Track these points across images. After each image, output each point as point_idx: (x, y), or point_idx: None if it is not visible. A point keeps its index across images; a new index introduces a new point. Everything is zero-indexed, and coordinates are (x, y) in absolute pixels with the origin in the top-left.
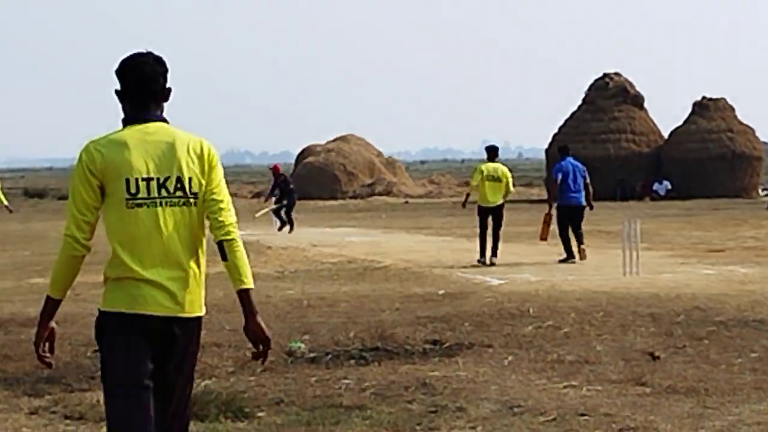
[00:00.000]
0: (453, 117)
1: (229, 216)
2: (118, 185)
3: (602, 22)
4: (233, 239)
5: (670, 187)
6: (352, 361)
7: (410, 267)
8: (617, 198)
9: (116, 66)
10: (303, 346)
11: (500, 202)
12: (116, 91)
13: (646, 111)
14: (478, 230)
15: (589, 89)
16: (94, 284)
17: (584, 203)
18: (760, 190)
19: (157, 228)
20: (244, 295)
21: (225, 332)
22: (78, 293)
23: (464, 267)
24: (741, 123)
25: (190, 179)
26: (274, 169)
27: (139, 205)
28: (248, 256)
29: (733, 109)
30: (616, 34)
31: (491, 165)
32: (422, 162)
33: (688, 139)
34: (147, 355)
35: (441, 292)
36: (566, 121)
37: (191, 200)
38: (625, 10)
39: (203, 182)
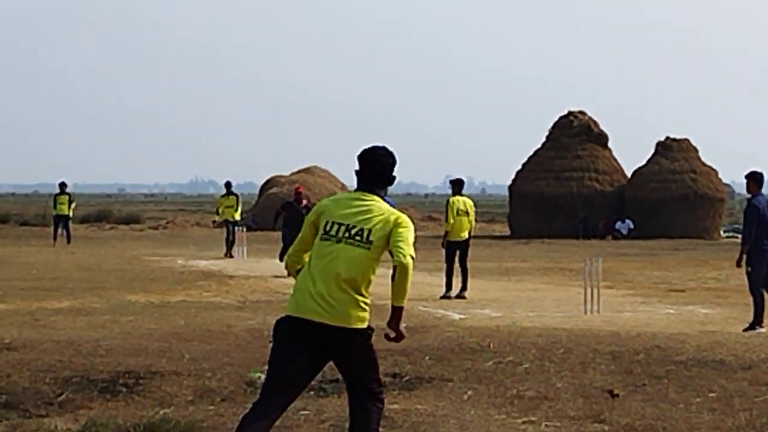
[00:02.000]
0: (417, 151)
1: (406, 252)
2: (321, 225)
3: (567, 60)
4: (403, 265)
5: (632, 226)
6: (312, 393)
7: (372, 300)
8: (579, 236)
9: (360, 152)
10: (263, 376)
11: (467, 236)
12: (356, 171)
13: (609, 150)
14: (445, 265)
15: (553, 127)
16: (54, 310)
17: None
18: (721, 232)
19: (334, 257)
20: (396, 309)
21: (185, 361)
22: (37, 319)
23: (425, 301)
24: (704, 164)
25: (370, 231)
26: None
27: (328, 239)
28: (210, 286)
29: (696, 150)
30: (581, 73)
31: (459, 199)
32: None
33: (651, 179)
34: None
35: (402, 325)
36: (530, 158)
37: (367, 246)
38: (590, 48)
39: (386, 237)
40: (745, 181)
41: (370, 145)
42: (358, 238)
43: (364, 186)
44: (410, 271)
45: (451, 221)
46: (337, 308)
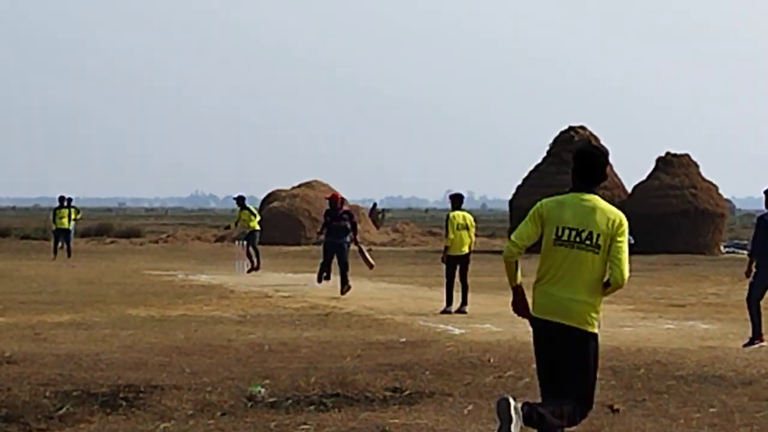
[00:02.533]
0: (417, 166)
1: (624, 273)
2: (550, 229)
3: (568, 74)
4: (610, 285)
5: (632, 241)
6: (312, 407)
7: (372, 314)
8: None
9: (576, 151)
10: (263, 390)
11: (467, 251)
12: (573, 169)
13: (610, 165)
14: (445, 279)
15: (554, 142)
16: (55, 323)
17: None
18: (722, 247)
19: (568, 263)
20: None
21: (185, 375)
22: (38, 332)
23: (426, 315)
24: (704, 179)
25: (598, 235)
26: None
27: (561, 245)
28: (210, 300)
29: (697, 166)
30: (583, 88)
31: (459, 213)
32: (386, 210)
33: (651, 194)
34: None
35: (402, 339)
36: (530, 173)
37: (596, 250)
38: (591, 64)
39: (609, 240)
40: (764, 196)
41: (584, 144)
42: (588, 242)
43: (582, 185)
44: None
45: (451, 236)
46: (575, 311)
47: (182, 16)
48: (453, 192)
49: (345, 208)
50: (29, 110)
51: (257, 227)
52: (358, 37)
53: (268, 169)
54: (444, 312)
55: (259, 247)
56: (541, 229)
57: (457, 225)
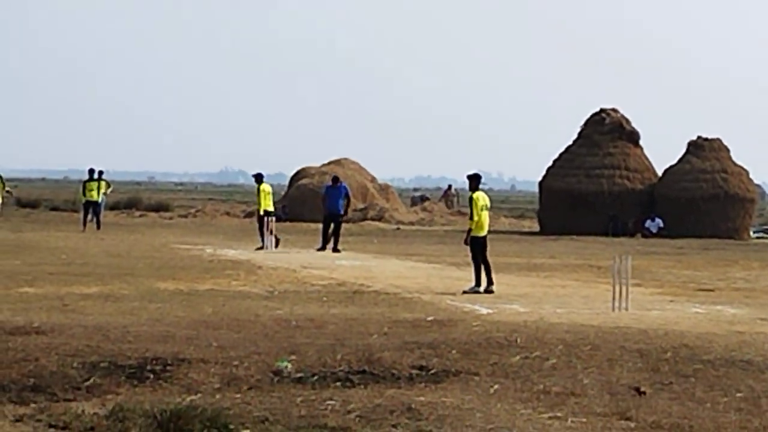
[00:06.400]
0: (448, 146)
1: None
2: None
3: (601, 56)
4: None
5: (662, 224)
6: (338, 383)
7: (400, 292)
8: (609, 233)
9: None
10: (290, 365)
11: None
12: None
13: (641, 148)
14: (475, 261)
15: (585, 124)
16: (83, 295)
17: None
18: (751, 232)
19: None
20: None
21: (212, 348)
22: (66, 304)
23: (453, 295)
24: (735, 164)
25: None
26: None
27: (484, 211)
28: (238, 275)
29: (727, 150)
30: (615, 70)
31: (481, 194)
32: (415, 189)
33: (681, 177)
34: None
35: (430, 318)
36: (561, 154)
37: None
38: (624, 45)
39: None
40: None
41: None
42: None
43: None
44: None
45: (476, 218)
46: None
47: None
48: (471, 173)
49: (342, 184)
50: (60, 82)
51: (269, 208)
52: (384, 17)
53: (298, 147)
54: (472, 292)
55: (287, 224)
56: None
57: (482, 206)
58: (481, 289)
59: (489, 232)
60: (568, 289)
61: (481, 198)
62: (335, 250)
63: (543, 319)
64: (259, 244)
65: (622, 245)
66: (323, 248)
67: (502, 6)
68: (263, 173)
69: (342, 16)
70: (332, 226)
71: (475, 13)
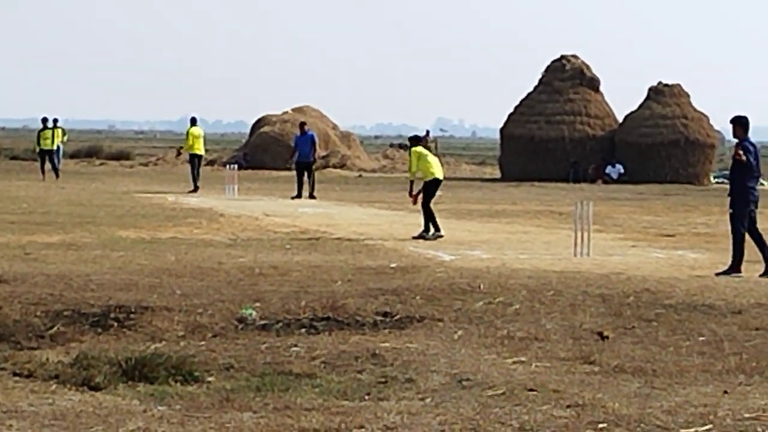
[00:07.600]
0: (409, 93)
1: None
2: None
3: (561, 2)
4: None
5: (622, 170)
6: (303, 330)
7: (362, 239)
8: (570, 180)
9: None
10: (254, 313)
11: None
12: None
13: (601, 94)
14: (432, 206)
15: (546, 70)
16: (45, 244)
17: None
18: (711, 178)
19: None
20: None
21: (176, 296)
22: (28, 252)
23: (416, 241)
24: (695, 110)
25: None
26: None
27: None
28: (201, 223)
29: (688, 96)
30: (575, 16)
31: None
32: (377, 137)
33: (642, 123)
34: None
35: (393, 265)
36: (522, 101)
37: None
38: None
39: None
40: (731, 126)
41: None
42: None
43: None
44: None
45: (413, 170)
46: None
47: None
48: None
49: (309, 132)
50: (21, 29)
51: (199, 152)
52: None
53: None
54: (421, 237)
55: (249, 172)
56: None
57: (428, 154)
58: (429, 234)
59: (446, 178)
60: (530, 235)
61: (422, 151)
62: (311, 196)
63: (505, 265)
64: (191, 187)
65: (583, 191)
66: (299, 196)
67: None
68: (197, 116)
69: None
70: (305, 173)
71: None
